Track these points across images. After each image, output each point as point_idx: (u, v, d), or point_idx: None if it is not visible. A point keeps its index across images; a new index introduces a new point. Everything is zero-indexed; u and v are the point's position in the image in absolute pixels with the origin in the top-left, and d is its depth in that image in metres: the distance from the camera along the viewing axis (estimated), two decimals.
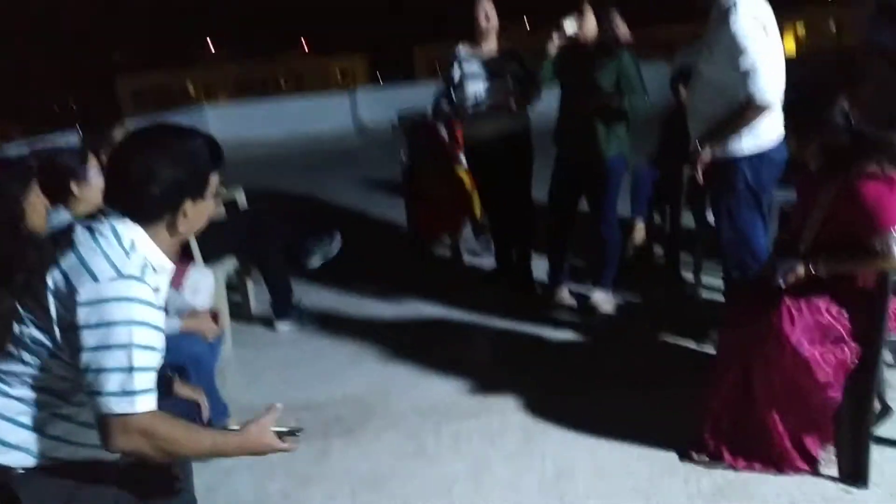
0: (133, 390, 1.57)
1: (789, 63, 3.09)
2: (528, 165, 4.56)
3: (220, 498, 2.75)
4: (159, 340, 1.63)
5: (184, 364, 2.68)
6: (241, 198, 5.03)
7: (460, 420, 3.14)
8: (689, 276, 4.40)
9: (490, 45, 4.40)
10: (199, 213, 1.74)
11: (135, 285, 1.58)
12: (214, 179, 1.77)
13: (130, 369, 1.56)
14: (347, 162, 11.31)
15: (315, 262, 4.31)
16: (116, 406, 1.56)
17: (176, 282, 3.43)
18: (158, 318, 1.62)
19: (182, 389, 2.42)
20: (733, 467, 2.58)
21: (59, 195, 2.56)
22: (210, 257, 4.04)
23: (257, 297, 4.73)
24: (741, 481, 2.53)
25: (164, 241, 1.71)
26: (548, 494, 2.58)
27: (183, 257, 3.79)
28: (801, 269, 2.48)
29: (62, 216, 2.62)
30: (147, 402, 1.60)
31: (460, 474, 2.75)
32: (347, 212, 7.69)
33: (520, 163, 4.49)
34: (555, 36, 3.96)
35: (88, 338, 1.55)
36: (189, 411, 2.35)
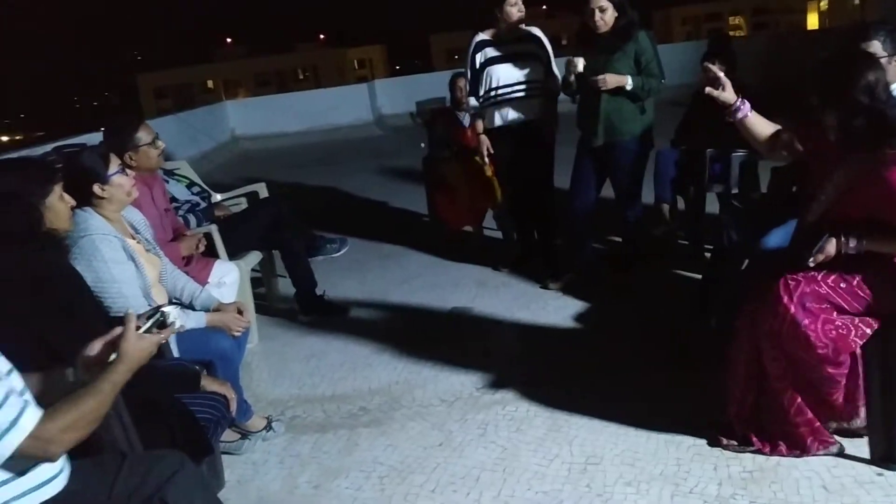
0: (10, 422, 1.57)
1: (814, 34, 3.02)
2: (549, 150, 4.54)
3: (250, 490, 2.77)
4: None
5: (210, 359, 2.70)
6: (262, 192, 5.05)
7: (486, 409, 3.14)
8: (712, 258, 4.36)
9: (509, 31, 4.38)
10: None
11: None
12: None
13: None
14: (367, 153, 11.33)
15: (317, 258, 4.46)
16: (13, 440, 1.57)
17: (201, 277, 3.46)
18: None
19: (210, 384, 2.44)
20: (762, 452, 2.56)
21: (84, 196, 2.58)
22: (234, 252, 4.07)
23: (282, 290, 4.76)
24: (771, 466, 2.50)
25: None
26: (576, 482, 2.57)
27: (208, 253, 3.84)
28: (831, 248, 2.44)
29: (89, 217, 2.65)
30: (30, 417, 1.60)
31: (487, 463, 2.75)
32: (368, 202, 7.71)
33: (541, 148, 4.48)
34: (569, 72, 4.10)
35: None
36: (217, 405, 2.37)
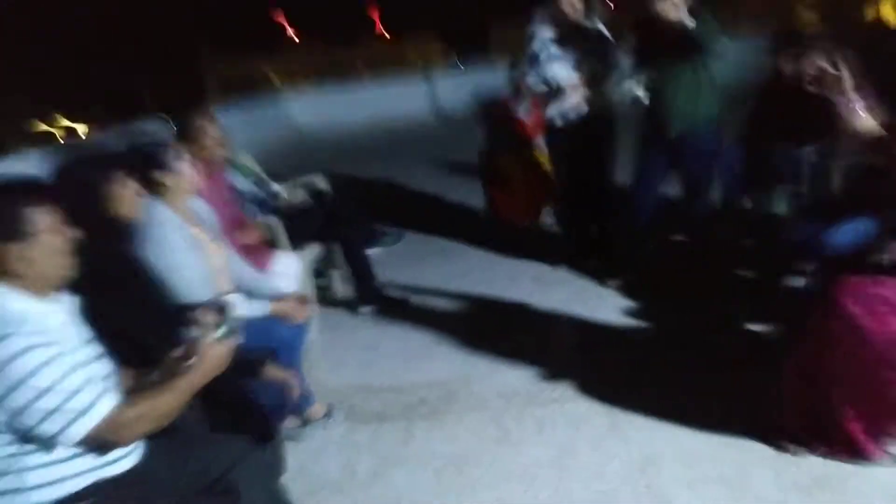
0: (87, 406, 1.65)
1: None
2: (609, 146, 4.49)
3: (310, 477, 2.83)
4: (70, 361, 1.67)
5: (272, 347, 2.75)
6: (322, 184, 5.12)
7: (544, 405, 3.13)
8: (780, 259, 4.24)
9: (572, 26, 4.33)
10: (37, 252, 1.71)
11: (14, 341, 1.61)
12: (43, 218, 1.73)
13: (70, 396, 1.63)
14: (426, 146, 11.34)
15: (374, 250, 4.54)
16: (87, 423, 1.65)
17: (263, 267, 3.53)
18: (53, 349, 1.64)
19: (273, 371, 2.49)
20: (823, 456, 2.49)
21: (151, 185, 2.65)
22: (295, 243, 4.13)
23: (341, 282, 4.82)
24: (837, 475, 2.44)
25: (24, 284, 1.71)
26: (634, 482, 2.55)
27: (269, 244, 3.91)
28: None
29: (156, 206, 2.72)
30: (105, 405, 1.69)
31: (544, 460, 2.74)
32: (426, 195, 7.73)
33: (601, 143, 4.42)
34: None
35: (14, 402, 1.60)
36: (280, 393, 2.42)
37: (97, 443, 1.71)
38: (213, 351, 1.88)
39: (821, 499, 2.34)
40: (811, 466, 2.49)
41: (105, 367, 1.86)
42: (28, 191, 1.74)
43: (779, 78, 4.39)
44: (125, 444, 1.77)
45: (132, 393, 1.87)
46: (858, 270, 2.43)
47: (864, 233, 2.88)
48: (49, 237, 1.73)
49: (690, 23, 3.86)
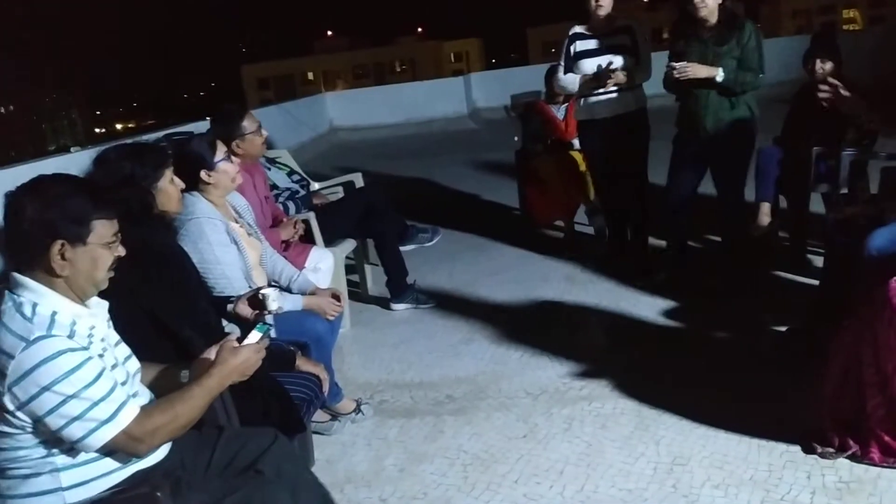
0: (109, 417, 1.66)
1: None
2: (643, 145, 4.47)
3: (338, 470, 2.86)
4: (97, 367, 1.67)
5: (305, 341, 2.80)
6: (358, 182, 5.17)
7: (573, 404, 3.13)
8: (816, 261, 4.19)
9: (604, 23, 4.33)
10: (83, 258, 1.72)
11: (45, 345, 1.62)
12: (101, 226, 1.75)
13: (94, 405, 1.64)
14: (462, 146, 11.38)
15: (409, 247, 4.55)
16: (107, 433, 1.66)
17: (298, 262, 3.59)
18: (81, 354, 1.65)
19: (304, 364, 2.54)
20: (856, 456, 2.46)
21: (192, 181, 2.71)
22: (330, 239, 4.19)
23: (374, 278, 4.87)
24: (870, 478, 2.40)
25: (58, 286, 1.72)
26: (662, 482, 2.54)
27: (305, 239, 3.98)
28: None
29: (197, 201, 2.79)
30: (128, 414, 1.69)
31: (571, 458, 2.75)
32: (461, 194, 7.76)
33: (634, 142, 4.41)
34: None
35: (39, 407, 1.62)
36: (311, 385, 2.46)
37: (117, 451, 1.73)
38: (237, 359, 1.88)
39: (851, 502, 2.31)
40: (842, 470, 2.46)
41: (132, 367, 1.89)
42: (95, 196, 1.76)
43: (815, 79, 4.34)
44: (141, 455, 1.77)
45: (161, 392, 1.90)
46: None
47: None
48: (102, 249, 1.76)
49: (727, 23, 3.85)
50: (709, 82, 3.94)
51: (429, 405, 3.30)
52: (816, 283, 3.84)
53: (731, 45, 3.90)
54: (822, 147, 4.20)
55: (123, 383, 1.76)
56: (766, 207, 4.43)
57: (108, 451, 1.72)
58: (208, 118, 3.83)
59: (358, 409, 3.18)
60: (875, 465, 2.44)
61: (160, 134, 4.65)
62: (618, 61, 4.25)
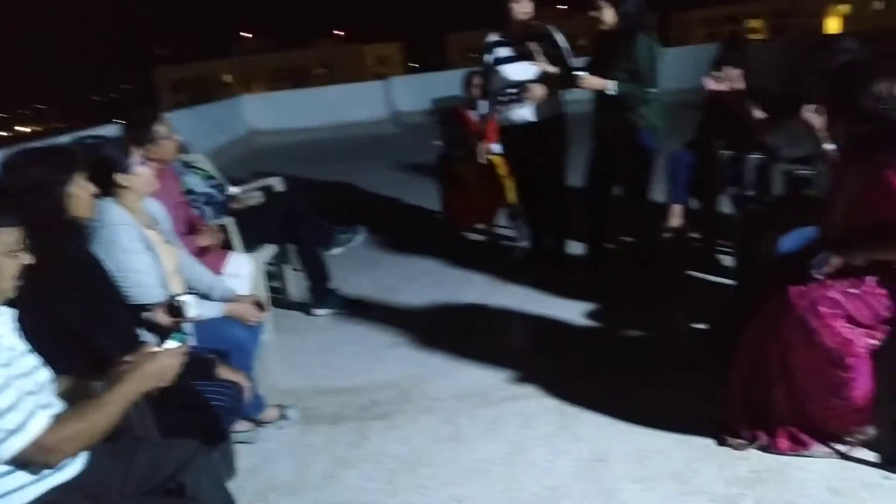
0: (16, 427, 1.60)
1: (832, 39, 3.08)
2: (562, 150, 4.57)
3: (262, 479, 2.82)
4: (3, 375, 1.62)
5: (226, 349, 2.75)
6: (278, 186, 5.10)
7: (496, 404, 3.17)
8: (726, 260, 4.37)
9: (522, 29, 4.40)
10: None
11: None
12: (2, 234, 1.70)
13: (1, 414, 1.59)
14: (383, 150, 11.36)
15: (335, 250, 4.49)
16: (16, 444, 1.61)
17: (216, 269, 3.51)
18: None
19: (225, 372, 2.49)
20: (765, 447, 2.58)
21: (106, 186, 2.62)
22: (249, 245, 4.12)
23: (296, 284, 4.81)
24: (778, 466, 2.52)
25: None
26: (583, 478, 2.60)
27: (223, 245, 3.89)
28: (836, 261, 2.47)
29: (110, 207, 2.69)
30: (37, 424, 1.63)
31: (496, 457, 2.78)
32: (382, 198, 7.75)
33: (553, 147, 4.50)
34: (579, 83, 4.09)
35: None
36: (231, 393, 2.42)
37: (28, 463, 1.66)
38: (154, 364, 1.83)
39: (761, 490, 2.42)
40: (753, 460, 2.57)
41: (43, 378, 1.82)
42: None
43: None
44: (53, 466, 1.70)
45: (76, 403, 1.82)
46: (802, 276, 2.53)
47: (809, 238, 2.99)
48: (4, 258, 1.69)
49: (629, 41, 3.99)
50: (605, 93, 4.07)
51: (354, 411, 3.28)
52: (728, 282, 4.02)
53: (623, 57, 4.02)
54: (730, 151, 4.39)
55: (32, 393, 1.69)
56: (677, 209, 4.59)
57: (19, 463, 1.65)
58: (119, 121, 3.71)
59: (283, 416, 3.13)
60: (782, 454, 2.57)
61: (69, 137, 4.48)
62: (532, 69, 4.32)
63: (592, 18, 4.05)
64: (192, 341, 2.67)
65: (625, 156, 4.19)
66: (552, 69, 4.25)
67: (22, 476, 1.68)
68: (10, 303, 1.76)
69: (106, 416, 1.72)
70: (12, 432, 1.59)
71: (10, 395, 1.60)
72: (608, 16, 4.00)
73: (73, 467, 1.79)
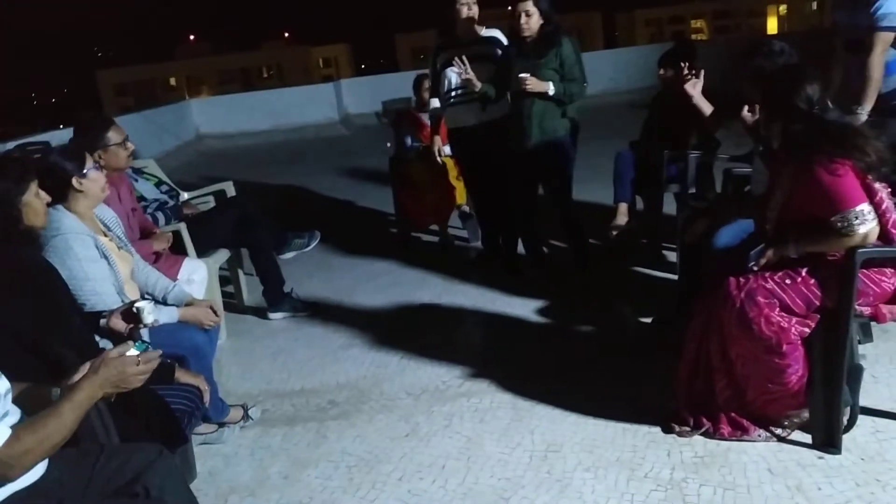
0: None
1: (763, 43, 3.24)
2: (507, 151, 4.67)
3: (222, 481, 2.84)
4: None
5: (183, 354, 2.77)
6: (230, 190, 5.10)
7: (452, 401, 3.24)
8: (671, 256, 4.52)
9: (468, 34, 4.49)
10: None
11: None
12: None
13: None
14: (334, 152, 11.36)
15: (288, 254, 4.56)
16: None
17: (170, 274, 3.51)
18: None
19: (184, 376, 2.52)
20: (709, 433, 2.72)
21: (59, 193, 2.62)
22: (202, 250, 4.12)
23: (249, 288, 4.82)
24: (721, 451, 2.65)
25: None
26: (537, 468, 2.69)
27: (176, 251, 3.89)
28: (770, 253, 2.61)
29: (63, 215, 2.69)
30: None
31: (452, 452, 2.85)
32: (335, 201, 7.77)
33: (501, 148, 4.59)
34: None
35: None
36: (191, 396, 2.45)
37: None
38: (106, 369, 1.83)
39: (706, 474, 2.53)
40: (697, 446, 2.70)
41: (0, 388, 1.83)
42: None
43: (666, 87, 4.71)
44: (13, 479, 1.70)
45: (33, 411, 1.83)
46: (740, 268, 2.66)
47: (746, 231, 3.13)
48: None
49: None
50: (538, 95, 4.23)
51: (311, 412, 3.32)
52: (674, 277, 4.17)
53: (550, 58, 4.19)
54: (673, 150, 4.54)
55: None
56: (623, 207, 4.75)
57: None
58: (63, 127, 3.69)
59: (246, 416, 3.17)
60: (725, 439, 2.70)
61: (11, 144, 4.42)
62: (483, 70, 4.41)
63: (519, 23, 4.19)
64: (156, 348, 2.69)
65: (554, 155, 4.37)
66: (475, 84, 4.33)
67: None
68: None
69: (62, 426, 1.73)
70: None
71: None
72: (535, 21, 4.15)
73: (33, 472, 1.80)
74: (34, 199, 2.30)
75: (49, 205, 2.44)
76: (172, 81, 67.81)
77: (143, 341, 2.09)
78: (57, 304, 2.27)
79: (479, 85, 4.26)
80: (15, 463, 1.66)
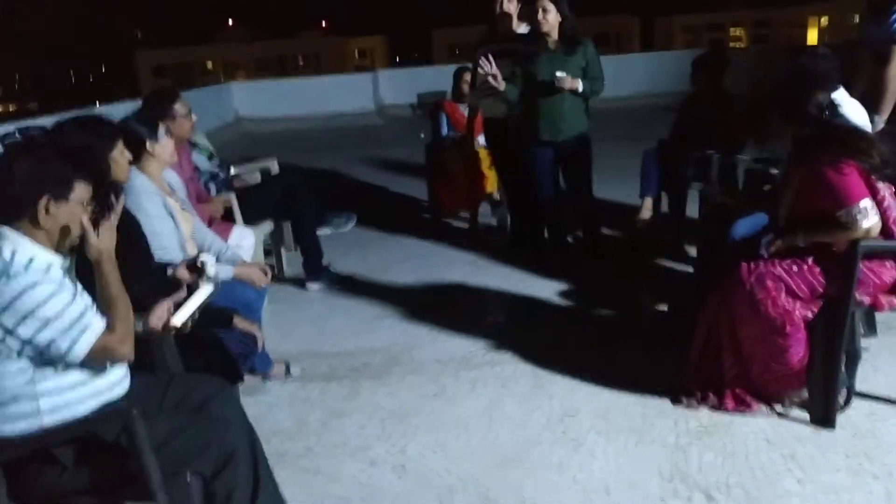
0: (87, 327, 1.91)
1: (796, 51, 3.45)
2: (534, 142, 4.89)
3: (264, 426, 3.08)
4: (70, 292, 1.93)
5: (236, 307, 3.04)
6: (274, 167, 5.39)
7: (477, 368, 3.50)
8: (692, 250, 4.73)
9: (510, 29, 4.72)
10: (63, 214, 1.95)
11: (22, 279, 1.86)
12: (80, 187, 1.98)
13: (73, 321, 1.89)
14: (368, 141, 11.63)
15: (326, 231, 4.82)
16: (89, 339, 1.92)
17: (223, 238, 3.80)
18: (54, 284, 1.90)
19: (241, 323, 2.79)
20: (713, 407, 2.94)
21: (136, 154, 2.91)
22: (249, 220, 4.41)
23: (290, 261, 5.10)
24: (724, 422, 2.87)
25: (38, 236, 1.95)
26: (554, 429, 2.93)
27: (226, 219, 4.18)
28: (780, 242, 2.83)
29: (136, 175, 2.98)
30: (99, 324, 1.95)
31: (476, 412, 3.11)
32: (370, 186, 8.04)
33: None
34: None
35: (23, 331, 1.86)
36: (247, 341, 2.72)
37: (100, 358, 1.96)
38: (92, 237, 2.00)
39: (708, 441, 2.77)
40: (703, 417, 2.92)
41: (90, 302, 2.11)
42: (77, 160, 1.98)
43: (698, 91, 4.91)
44: (128, 353, 1.99)
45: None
46: (752, 256, 2.89)
47: (760, 224, 3.35)
48: (79, 207, 1.98)
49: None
50: (570, 91, 4.46)
51: (346, 371, 3.59)
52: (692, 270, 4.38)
53: (578, 57, 4.45)
54: (699, 151, 4.74)
55: (89, 307, 1.99)
56: (647, 202, 4.96)
57: (94, 358, 1.94)
58: (99, 103, 3.98)
59: (287, 371, 3.44)
60: (729, 412, 2.92)
61: (49, 119, 4.71)
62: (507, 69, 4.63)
63: (537, 18, 4.40)
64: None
65: (581, 149, 4.63)
66: (498, 83, 4.45)
67: (84, 390, 1.98)
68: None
69: (114, 287, 2.02)
70: (84, 331, 1.90)
71: (79, 304, 1.93)
72: (553, 17, 4.37)
73: (120, 387, 2.09)
74: (120, 156, 2.60)
75: (130, 164, 2.73)
76: (209, 65, 68.58)
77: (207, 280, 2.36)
78: (139, 248, 2.55)
79: (502, 85, 4.43)
80: (120, 333, 1.97)
